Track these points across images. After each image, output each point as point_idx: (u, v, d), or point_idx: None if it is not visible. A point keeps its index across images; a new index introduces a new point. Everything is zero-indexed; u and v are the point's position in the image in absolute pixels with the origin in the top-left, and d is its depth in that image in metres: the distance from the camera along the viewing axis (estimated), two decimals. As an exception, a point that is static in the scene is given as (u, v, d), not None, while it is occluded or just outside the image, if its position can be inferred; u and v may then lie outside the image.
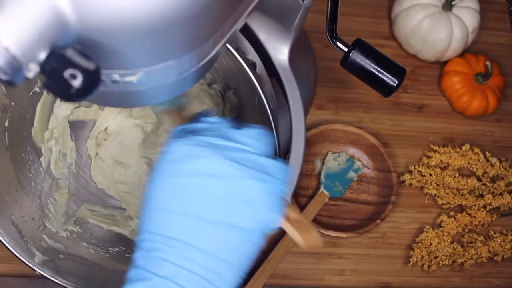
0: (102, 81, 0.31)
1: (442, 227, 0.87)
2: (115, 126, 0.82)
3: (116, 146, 0.82)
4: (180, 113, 0.55)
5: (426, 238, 0.86)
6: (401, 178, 0.89)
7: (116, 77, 0.34)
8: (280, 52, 0.72)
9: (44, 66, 0.30)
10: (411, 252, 0.85)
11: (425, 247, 0.85)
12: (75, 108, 0.80)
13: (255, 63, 0.68)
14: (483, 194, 0.89)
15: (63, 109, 0.78)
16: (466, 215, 0.88)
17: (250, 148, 0.46)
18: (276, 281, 0.81)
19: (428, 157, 0.91)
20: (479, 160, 0.91)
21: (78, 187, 0.80)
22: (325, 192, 0.86)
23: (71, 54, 0.30)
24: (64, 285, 0.65)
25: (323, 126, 0.89)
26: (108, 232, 0.78)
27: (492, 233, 0.88)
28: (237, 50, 0.64)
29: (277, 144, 0.67)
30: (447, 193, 0.88)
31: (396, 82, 0.69)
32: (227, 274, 0.44)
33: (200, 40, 0.35)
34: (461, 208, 0.89)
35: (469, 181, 0.89)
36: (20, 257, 0.65)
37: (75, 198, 0.79)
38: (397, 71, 0.69)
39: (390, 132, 0.93)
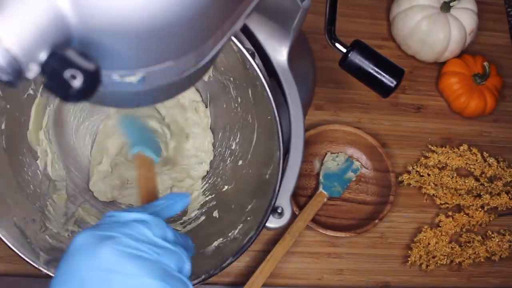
0: (102, 81, 0.32)
1: (440, 227, 0.87)
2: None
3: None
4: (147, 163, 0.59)
5: (424, 237, 0.86)
6: (400, 178, 0.89)
7: (116, 77, 0.35)
8: (279, 53, 0.73)
9: (44, 67, 0.30)
10: (409, 251, 0.85)
11: (423, 247, 0.85)
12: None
13: (254, 52, 0.68)
14: (481, 194, 0.89)
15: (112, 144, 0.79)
16: (464, 215, 0.88)
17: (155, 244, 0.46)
18: (275, 281, 0.82)
19: (426, 157, 0.91)
20: (477, 160, 0.91)
21: (76, 188, 0.80)
22: (324, 192, 0.86)
23: (71, 54, 0.30)
24: None
25: (322, 127, 0.89)
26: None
27: (490, 233, 0.88)
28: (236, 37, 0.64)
29: (281, 137, 0.67)
30: (445, 193, 0.88)
31: (395, 82, 0.69)
32: None
33: (200, 40, 0.36)
34: (459, 208, 0.90)
35: (467, 181, 0.89)
36: (26, 258, 0.65)
37: (73, 199, 0.79)
38: (396, 72, 0.70)
39: (389, 132, 0.93)
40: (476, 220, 0.88)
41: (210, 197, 0.80)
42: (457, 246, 0.86)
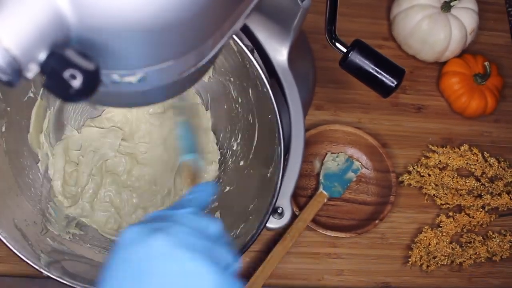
0: (101, 81, 0.31)
1: (440, 227, 0.87)
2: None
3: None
4: (190, 171, 0.63)
5: (425, 238, 0.86)
6: (400, 179, 0.89)
7: (115, 77, 0.34)
8: (279, 53, 0.73)
9: (44, 67, 0.30)
10: (410, 252, 0.85)
11: (424, 247, 0.85)
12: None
13: (253, 48, 0.68)
14: (482, 194, 0.89)
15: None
16: (465, 215, 0.88)
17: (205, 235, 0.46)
18: (275, 281, 0.81)
19: (427, 157, 0.91)
20: (477, 160, 0.91)
21: None
22: (324, 192, 0.86)
23: (71, 54, 0.30)
24: (72, 285, 0.65)
25: (322, 127, 0.89)
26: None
27: (491, 233, 0.88)
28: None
29: (282, 135, 0.67)
30: (445, 194, 0.88)
31: (395, 82, 0.69)
32: None
33: (200, 40, 0.35)
34: (459, 208, 0.89)
35: (467, 181, 0.89)
36: (26, 260, 0.65)
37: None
38: (396, 72, 0.70)
39: (389, 132, 0.93)
40: (476, 220, 0.88)
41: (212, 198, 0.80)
42: (458, 247, 0.86)
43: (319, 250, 0.85)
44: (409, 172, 0.90)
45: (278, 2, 0.69)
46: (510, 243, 0.88)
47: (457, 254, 0.86)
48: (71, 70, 0.29)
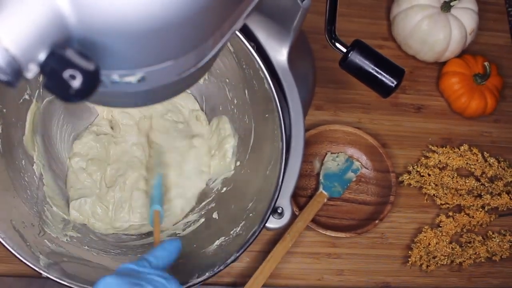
0: (101, 81, 0.31)
1: (440, 227, 0.87)
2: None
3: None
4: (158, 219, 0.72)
5: (425, 238, 0.86)
6: (400, 179, 0.89)
7: (115, 77, 0.34)
8: (279, 53, 0.73)
9: (43, 67, 0.30)
10: (409, 252, 0.85)
11: (424, 247, 0.85)
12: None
13: (254, 45, 0.68)
14: (482, 194, 0.89)
15: None
16: (465, 215, 0.88)
17: None
18: (275, 281, 0.81)
19: (427, 157, 0.91)
20: (477, 160, 0.91)
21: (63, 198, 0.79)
22: (324, 192, 0.86)
23: (70, 54, 0.30)
24: (71, 286, 0.65)
25: (322, 127, 0.89)
26: (105, 236, 0.78)
27: (491, 233, 0.88)
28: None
29: (283, 130, 0.67)
30: (445, 193, 0.88)
31: (395, 82, 0.69)
32: None
33: (199, 40, 0.35)
34: (459, 208, 0.89)
35: (467, 181, 0.89)
36: (26, 261, 0.65)
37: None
38: (396, 72, 0.69)
39: (389, 132, 0.93)
40: (476, 220, 0.88)
41: (208, 200, 0.79)
42: (458, 247, 0.86)
43: (319, 250, 0.85)
44: (409, 172, 0.90)
45: (278, 2, 0.69)
46: (510, 243, 0.88)
47: (457, 254, 0.86)
48: (71, 70, 0.29)
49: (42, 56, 0.30)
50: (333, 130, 0.89)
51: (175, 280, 0.56)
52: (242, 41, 0.65)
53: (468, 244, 0.87)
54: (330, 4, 0.69)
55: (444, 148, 0.92)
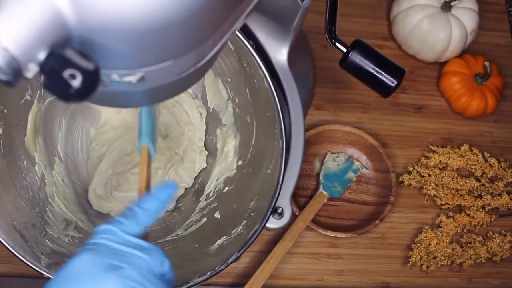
0: (101, 81, 0.31)
1: (441, 227, 0.87)
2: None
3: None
4: (148, 157, 0.63)
5: (425, 238, 0.86)
6: (400, 179, 0.89)
7: (115, 77, 0.34)
8: (279, 52, 0.73)
9: (43, 66, 0.30)
10: (410, 252, 0.85)
11: (424, 248, 0.85)
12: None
13: (253, 43, 0.68)
14: (482, 194, 0.89)
15: None
16: (465, 216, 0.88)
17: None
18: (275, 282, 0.81)
19: (427, 157, 0.91)
20: (477, 160, 0.91)
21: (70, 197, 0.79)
22: (324, 192, 0.85)
23: (70, 54, 0.29)
24: None
25: (322, 127, 0.89)
26: None
27: (491, 234, 0.88)
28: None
29: (283, 129, 0.67)
30: (446, 194, 0.88)
31: (395, 82, 0.69)
32: None
33: (199, 40, 0.35)
34: (460, 209, 0.89)
35: (468, 181, 0.89)
36: (27, 262, 0.65)
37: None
38: (396, 72, 0.69)
39: (389, 132, 0.93)
40: (477, 220, 0.88)
41: (210, 199, 0.79)
42: (458, 247, 0.86)
43: (319, 251, 0.84)
44: (409, 172, 0.90)
45: (278, 2, 0.69)
46: (510, 244, 0.87)
47: (457, 255, 0.86)
48: (71, 70, 0.29)
49: (41, 55, 0.30)
50: (333, 130, 0.89)
51: (156, 249, 0.49)
52: (240, 39, 0.65)
53: (469, 245, 0.87)
54: (330, 4, 0.69)
55: (444, 148, 0.92)
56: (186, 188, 0.82)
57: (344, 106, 0.93)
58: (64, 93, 0.30)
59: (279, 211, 0.68)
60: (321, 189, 0.86)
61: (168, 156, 0.82)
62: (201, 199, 0.80)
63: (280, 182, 0.67)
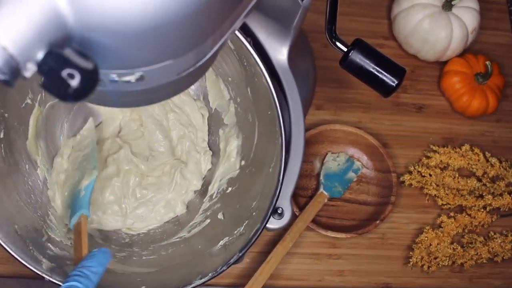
0: (100, 80, 0.31)
1: (442, 227, 0.87)
2: None
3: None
4: (84, 225, 0.66)
5: (426, 238, 0.85)
6: (401, 179, 0.89)
7: (114, 76, 0.34)
8: (279, 52, 0.72)
9: (41, 66, 0.30)
10: (410, 252, 0.85)
11: (425, 248, 0.85)
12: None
13: (251, 40, 0.68)
14: (483, 194, 0.89)
15: None
16: (466, 216, 0.88)
17: None
18: (275, 282, 0.81)
19: (428, 157, 0.91)
20: (479, 160, 0.91)
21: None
22: (325, 192, 0.85)
23: (69, 53, 0.29)
24: None
25: (322, 126, 0.88)
26: (109, 240, 0.78)
27: (492, 234, 0.88)
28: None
29: (282, 126, 0.66)
30: (447, 194, 0.88)
31: (396, 82, 0.69)
32: None
33: (199, 40, 0.35)
34: (461, 209, 0.89)
35: (469, 181, 0.89)
36: (28, 265, 0.65)
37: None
38: (397, 71, 0.69)
39: (390, 132, 0.93)
40: (478, 221, 0.88)
41: (214, 200, 0.79)
42: (459, 247, 0.86)
43: (319, 251, 0.84)
44: (410, 172, 0.89)
45: (278, 2, 0.69)
46: (512, 244, 0.87)
47: (458, 255, 0.86)
48: (69, 69, 0.29)
49: (40, 55, 0.29)
50: (334, 129, 0.89)
51: None
52: (238, 37, 0.65)
53: (470, 245, 0.87)
54: (331, 3, 0.68)
55: (445, 148, 0.91)
56: (195, 191, 0.82)
57: (344, 105, 0.93)
58: (63, 92, 0.29)
59: (279, 211, 0.68)
60: (321, 189, 0.85)
61: (170, 162, 0.81)
62: (204, 200, 0.80)
63: (281, 180, 0.67)
